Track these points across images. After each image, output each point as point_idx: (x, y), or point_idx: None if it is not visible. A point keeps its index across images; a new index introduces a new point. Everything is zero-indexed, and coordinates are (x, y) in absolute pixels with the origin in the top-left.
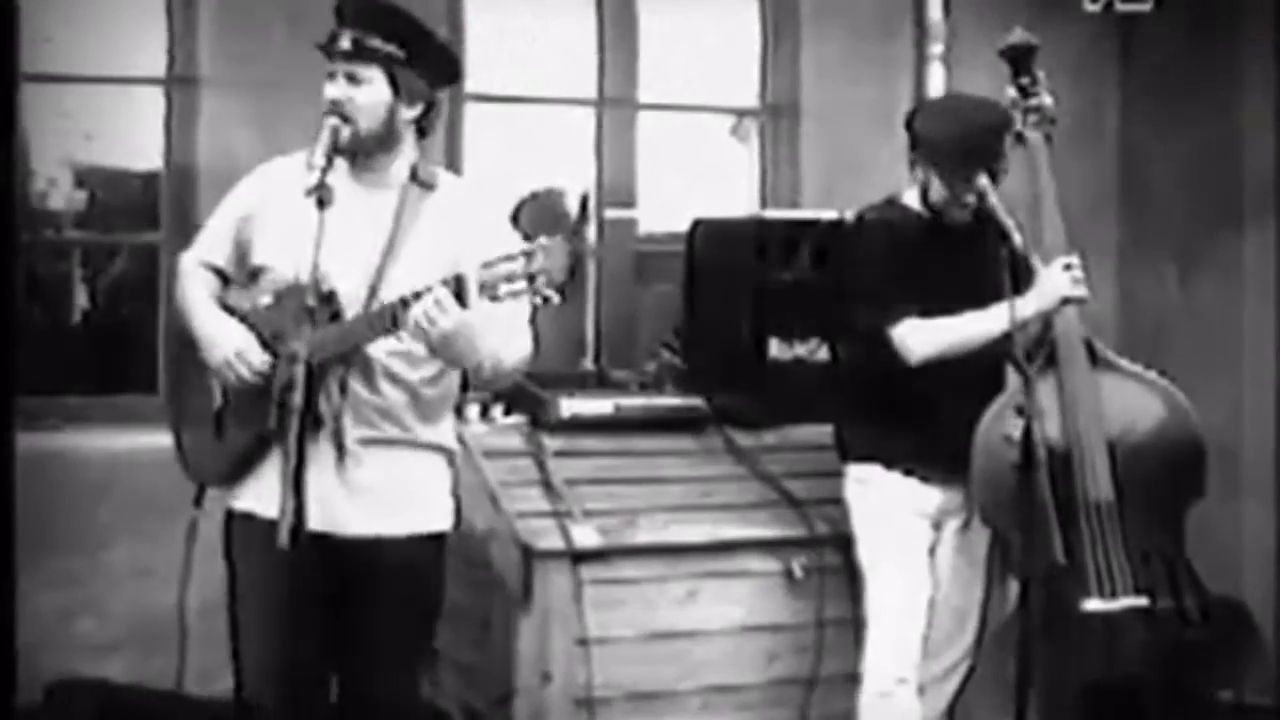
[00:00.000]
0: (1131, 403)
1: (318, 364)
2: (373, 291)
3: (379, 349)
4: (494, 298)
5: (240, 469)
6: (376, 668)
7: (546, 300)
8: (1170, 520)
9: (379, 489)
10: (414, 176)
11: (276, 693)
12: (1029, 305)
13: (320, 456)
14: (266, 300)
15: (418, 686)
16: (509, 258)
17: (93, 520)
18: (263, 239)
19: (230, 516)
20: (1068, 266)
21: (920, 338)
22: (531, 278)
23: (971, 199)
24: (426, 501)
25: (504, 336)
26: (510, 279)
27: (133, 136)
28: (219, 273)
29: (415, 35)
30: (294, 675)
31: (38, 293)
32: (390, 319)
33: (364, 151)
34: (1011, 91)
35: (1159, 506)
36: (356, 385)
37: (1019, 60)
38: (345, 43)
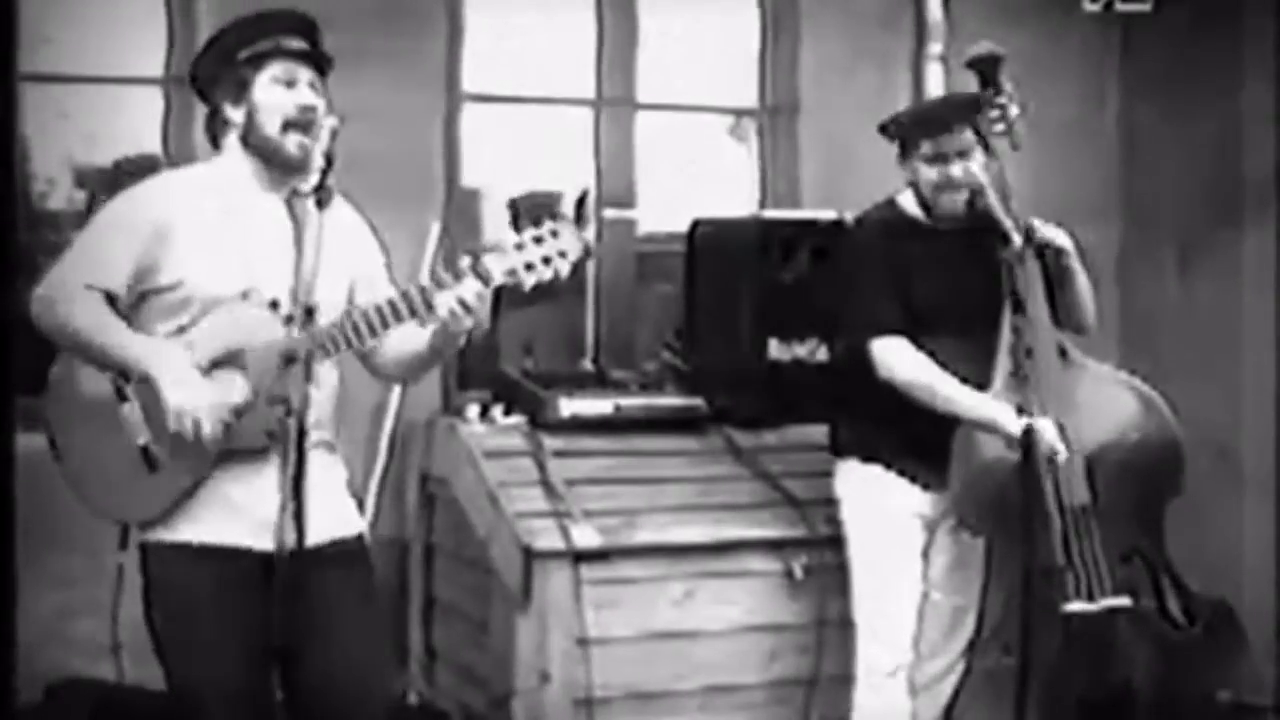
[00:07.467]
0: (1105, 404)
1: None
2: (299, 299)
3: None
4: (516, 284)
5: (183, 500)
6: (348, 670)
7: (556, 277)
8: (1148, 520)
9: (327, 493)
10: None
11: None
12: (1003, 420)
13: (277, 466)
14: (184, 320)
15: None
16: (519, 245)
17: (92, 520)
18: (175, 255)
19: (148, 549)
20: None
21: (896, 359)
22: (548, 259)
23: (958, 172)
24: (350, 502)
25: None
26: (529, 265)
27: (133, 136)
28: (109, 298)
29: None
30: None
31: None
32: (421, 303)
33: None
34: None
35: (1137, 507)
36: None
37: (985, 71)
38: (315, 46)
